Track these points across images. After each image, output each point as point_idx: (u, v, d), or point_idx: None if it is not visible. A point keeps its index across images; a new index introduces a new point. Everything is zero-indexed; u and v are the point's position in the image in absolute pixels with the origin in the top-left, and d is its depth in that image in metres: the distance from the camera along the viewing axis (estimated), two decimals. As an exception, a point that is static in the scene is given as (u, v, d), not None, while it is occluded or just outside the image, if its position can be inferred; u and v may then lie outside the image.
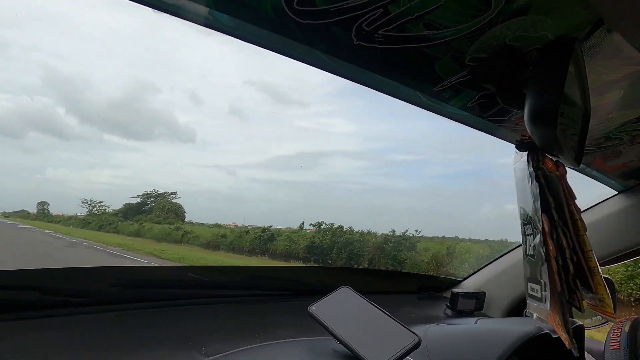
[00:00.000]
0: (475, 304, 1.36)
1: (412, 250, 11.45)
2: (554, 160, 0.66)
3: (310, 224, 14.92)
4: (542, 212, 0.59)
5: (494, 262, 1.37)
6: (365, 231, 13.43)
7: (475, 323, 1.05)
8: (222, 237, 14.80)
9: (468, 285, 1.41)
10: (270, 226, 14.92)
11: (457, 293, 1.34)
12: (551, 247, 0.57)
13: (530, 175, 0.61)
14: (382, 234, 12.62)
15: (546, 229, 0.58)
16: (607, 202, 1.15)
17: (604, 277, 1.50)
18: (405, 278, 1.48)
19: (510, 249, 1.34)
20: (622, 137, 0.91)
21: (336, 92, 30.42)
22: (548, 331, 0.92)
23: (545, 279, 0.57)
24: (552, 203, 0.60)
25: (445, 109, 0.71)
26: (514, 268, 1.31)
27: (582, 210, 1.20)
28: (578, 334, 0.98)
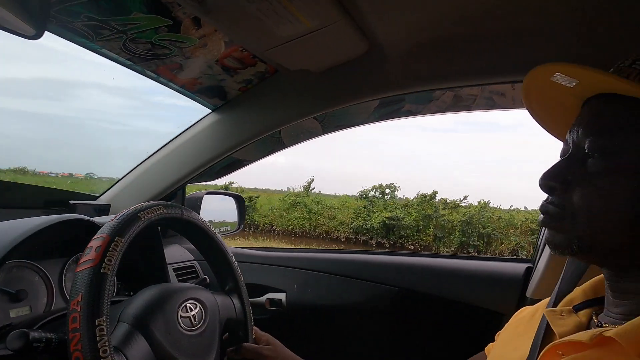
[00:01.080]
0: (99, 214, 1.41)
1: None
2: None
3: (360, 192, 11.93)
4: None
5: (124, 178, 1.42)
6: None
7: None
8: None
9: (102, 199, 1.44)
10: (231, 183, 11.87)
11: (75, 204, 1.35)
12: None
13: None
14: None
15: None
16: (202, 120, 1.30)
17: (236, 195, 1.72)
18: (32, 193, 1.42)
19: (137, 164, 1.41)
20: (170, 47, 1.01)
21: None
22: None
23: None
24: None
25: None
26: (137, 180, 1.39)
27: (186, 128, 1.34)
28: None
